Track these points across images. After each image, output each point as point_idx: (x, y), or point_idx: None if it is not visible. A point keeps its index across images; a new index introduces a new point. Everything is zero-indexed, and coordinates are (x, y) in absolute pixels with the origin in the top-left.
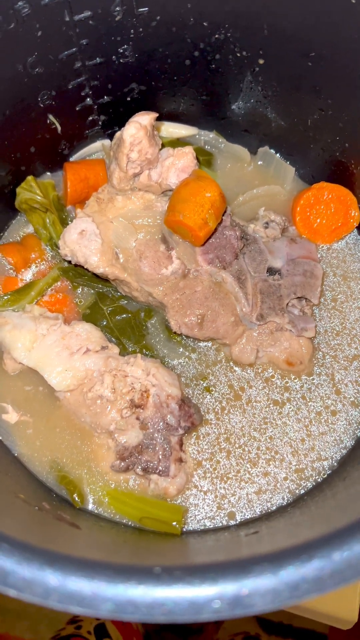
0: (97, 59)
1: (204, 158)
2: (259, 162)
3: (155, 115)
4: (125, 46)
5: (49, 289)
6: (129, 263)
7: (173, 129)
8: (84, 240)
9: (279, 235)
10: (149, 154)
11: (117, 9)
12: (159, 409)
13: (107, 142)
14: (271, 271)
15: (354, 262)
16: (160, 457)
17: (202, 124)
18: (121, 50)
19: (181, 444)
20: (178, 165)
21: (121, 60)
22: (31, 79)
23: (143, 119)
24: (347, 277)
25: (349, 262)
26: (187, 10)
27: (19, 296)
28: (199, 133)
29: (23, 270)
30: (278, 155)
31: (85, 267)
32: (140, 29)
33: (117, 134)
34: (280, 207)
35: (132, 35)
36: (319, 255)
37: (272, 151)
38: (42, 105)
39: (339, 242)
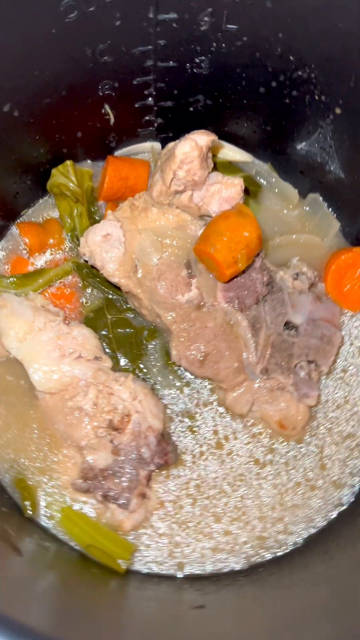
0: (171, 62)
1: (252, 188)
2: (306, 208)
3: (215, 137)
4: (203, 57)
5: (58, 281)
6: (146, 280)
7: (228, 151)
8: (107, 245)
9: (306, 289)
10: (197, 175)
11: (205, 19)
12: (137, 438)
13: (157, 145)
14: (288, 325)
15: None
16: (125, 487)
17: (259, 153)
18: (197, 61)
19: (149, 479)
20: (223, 195)
21: (194, 70)
22: (97, 65)
23: (201, 139)
24: None
25: None
26: (277, 40)
27: (26, 281)
28: (254, 162)
29: (37, 254)
30: (327, 206)
31: (100, 271)
32: (223, 45)
33: (170, 145)
34: (315, 260)
35: (212, 49)
36: (340, 320)
37: (322, 200)
38: (100, 94)
39: None
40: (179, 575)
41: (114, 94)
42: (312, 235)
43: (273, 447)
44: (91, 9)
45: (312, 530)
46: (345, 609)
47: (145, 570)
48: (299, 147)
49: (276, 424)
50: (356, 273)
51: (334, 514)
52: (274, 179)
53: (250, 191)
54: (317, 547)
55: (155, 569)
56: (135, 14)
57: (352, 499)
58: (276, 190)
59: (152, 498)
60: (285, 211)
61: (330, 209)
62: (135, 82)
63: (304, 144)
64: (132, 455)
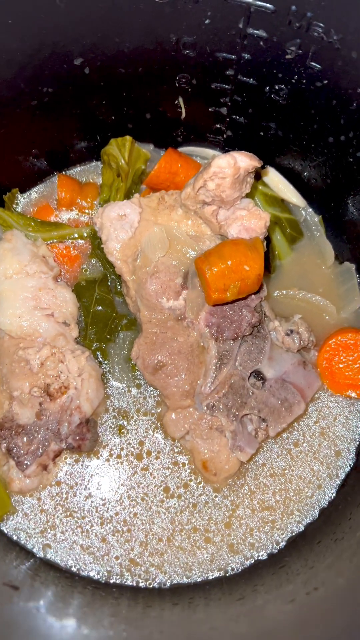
0: (251, 79)
1: (292, 233)
2: (337, 273)
3: (259, 165)
4: (283, 86)
5: (70, 241)
6: (141, 271)
7: (285, 188)
8: (119, 224)
9: (294, 350)
10: (226, 194)
11: (292, 48)
12: (63, 411)
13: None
14: (257, 376)
15: (341, 429)
16: (30, 451)
17: (314, 202)
18: (277, 87)
19: (57, 455)
20: (246, 223)
21: (272, 96)
22: (179, 55)
23: (242, 160)
24: (326, 436)
25: (337, 426)
26: (355, 94)
27: (42, 228)
28: (306, 209)
29: (64, 209)
30: (359, 279)
31: (102, 245)
32: (304, 81)
33: (215, 155)
34: (319, 326)
35: (293, 81)
36: (316, 394)
37: (355, 272)
38: (177, 85)
39: (345, 400)
40: (40, 555)
41: (190, 89)
42: (330, 302)
43: (189, 483)
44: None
45: (184, 580)
46: None
47: (11, 534)
48: (351, 210)
49: (201, 463)
50: (353, 356)
51: (213, 575)
52: (318, 234)
53: (289, 235)
54: (176, 596)
55: (22, 538)
56: (225, 19)
57: (238, 570)
58: (315, 245)
59: (51, 472)
60: (315, 268)
61: None
62: (212, 87)
63: (357, 209)
64: (52, 426)
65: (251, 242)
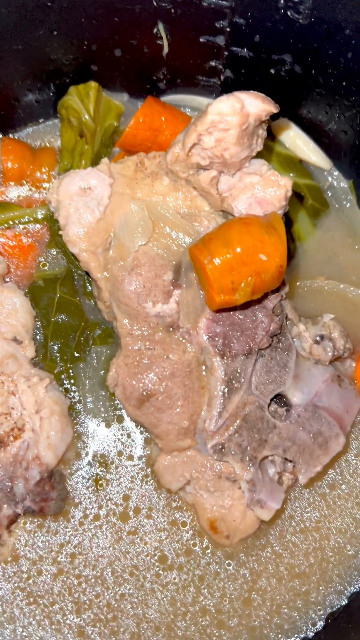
0: None
1: (315, 205)
2: None
3: (275, 110)
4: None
5: (22, 226)
6: (115, 266)
7: (303, 145)
8: (82, 200)
9: (326, 362)
10: (230, 153)
11: None
12: (16, 464)
13: None
14: (279, 401)
15: None
16: None
17: (342, 164)
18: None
19: (12, 521)
20: (258, 193)
21: (289, 13)
22: None
23: (252, 103)
24: None
25: None
26: None
27: None
28: (332, 171)
29: (12, 184)
30: None
31: (60, 231)
32: None
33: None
34: (355, 327)
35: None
36: (356, 419)
37: None
38: (155, 4)
39: None
40: None
41: (173, 10)
42: None
43: (193, 548)
44: None
45: None
46: None
47: None
48: None
49: (207, 522)
50: None
51: None
52: (348, 204)
53: (311, 207)
54: None
55: None
56: None
57: None
58: (345, 219)
59: (6, 545)
60: (345, 250)
61: None
62: (205, 4)
63: None
64: (2, 484)
65: (267, 221)
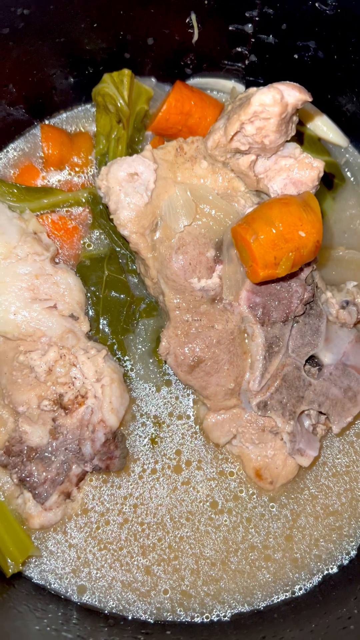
0: None
1: (334, 180)
2: None
3: (309, 99)
4: None
5: (65, 209)
6: (163, 245)
7: (322, 124)
8: (130, 186)
9: (351, 324)
10: (269, 139)
11: None
12: (83, 427)
13: (240, 87)
14: (312, 362)
15: None
16: (49, 478)
17: (358, 140)
18: None
19: (81, 479)
20: (294, 175)
21: (317, 4)
22: None
23: (290, 94)
24: None
25: None
26: None
27: (28, 195)
28: (349, 148)
29: (53, 169)
30: None
31: (111, 215)
32: None
33: (251, 90)
34: None
35: None
36: None
37: None
38: None
39: None
40: (75, 599)
41: (206, 1)
42: None
43: (240, 495)
44: None
45: (246, 608)
46: None
47: (38, 580)
48: None
49: (253, 471)
50: None
51: (278, 598)
52: None
53: (331, 182)
54: (241, 629)
55: (52, 581)
56: None
57: (307, 589)
58: None
59: (76, 500)
60: None
61: None
62: None
63: None
64: (71, 446)
65: (303, 200)
